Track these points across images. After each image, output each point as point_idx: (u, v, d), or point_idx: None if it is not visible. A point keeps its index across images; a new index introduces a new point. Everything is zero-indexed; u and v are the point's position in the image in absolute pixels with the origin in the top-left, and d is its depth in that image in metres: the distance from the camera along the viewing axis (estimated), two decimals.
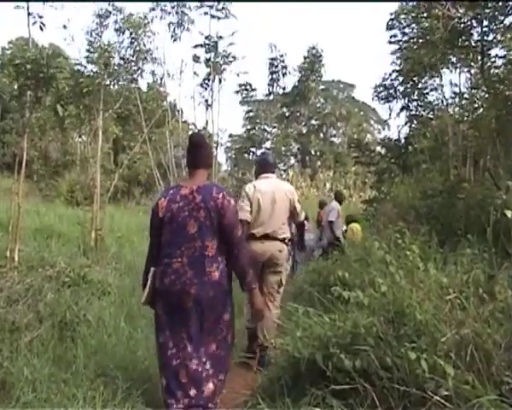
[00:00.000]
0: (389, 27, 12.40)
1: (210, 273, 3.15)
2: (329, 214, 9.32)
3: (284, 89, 33.74)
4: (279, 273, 5.00)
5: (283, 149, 32.08)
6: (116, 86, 10.31)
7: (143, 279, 3.39)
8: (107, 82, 9.91)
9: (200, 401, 3.14)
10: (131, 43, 9.94)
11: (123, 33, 10.00)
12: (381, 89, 13.89)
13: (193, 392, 3.14)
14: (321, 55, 33.35)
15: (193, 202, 3.22)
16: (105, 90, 9.54)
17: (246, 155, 31.59)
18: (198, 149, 3.41)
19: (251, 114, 34.17)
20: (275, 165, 5.37)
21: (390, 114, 14.18)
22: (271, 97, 33.60)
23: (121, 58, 9.67)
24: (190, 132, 15.53)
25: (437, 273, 3.44)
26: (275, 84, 33.51)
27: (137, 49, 9.87)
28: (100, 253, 8.44)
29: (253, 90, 32.17)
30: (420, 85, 12.95)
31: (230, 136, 34.47)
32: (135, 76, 10.53)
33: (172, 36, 15.52)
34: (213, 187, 3.28)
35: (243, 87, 31.46)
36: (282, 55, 32.73)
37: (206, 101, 16.55)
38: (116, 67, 9.59)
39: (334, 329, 3.20)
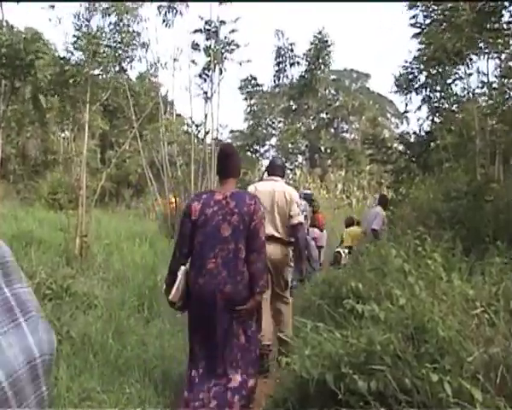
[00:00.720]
0: (410, 7, 12.32)
1: (243, 273, 3.79)
2: (373, 222, 9.09)
3: (292, 80, 33.77)
4: (282, 274, 5.55)
5: (290, 146, 31.89)
6: (104, 76, 10.32)
7: (169, 279, 3.95)
8: (96, 72, 9.91)
9: (228, 391, 3.75)
10: (117, 25, 9.90)
11: (109, 16, 9.97)
12: (401, 79, 13.85)
13: (220, 384, 3.78)
14: (327, 41, 33.18)
15: (227, 207, 3.87)
16: (93, 80, 9.55)
17: (248, 154, 31.43)
18: (229, 160, 4.14)
19: (254, 107, 34.07)
20: (283, 168, 5.95)
21: (408, 107, 14.19)
22: (277, 90, 33.63)
23: (107, 46, 9.65)
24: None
25: (462, 285, 3.44)
26: (281, 76, 33.58)
27: (124, 32, 9.81)
28: (85, 262, 8.45)
29: (259, 85, 32.22)
30: (443, 74, 12.91)
31: (231, 132, 34.43)
32: (123, 65, 10.51)
33: (164, 21, 15.51)
34: (246, 194, 4.03)
35: (247, 81, 31.53)
36: (290, 44, 32.81)
37: (206, 93, 16.50)
38: (104, 54, 9.57)
39: (347, 346, 3.20)
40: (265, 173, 5.85)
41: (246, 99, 33.45)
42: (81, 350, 4.66)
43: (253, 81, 31.90)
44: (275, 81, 33.56)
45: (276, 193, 5.43)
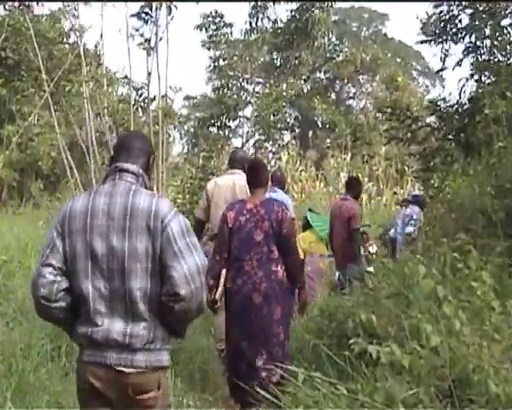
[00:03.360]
0: None
1: (275, 273, 6.10)
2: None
3: (275, 22, 33.28)
4: None
5: (272, 118, 31.10)
6: None
7: (214, 282, 6.14)
8: None
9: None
10: None
11: None
12: (432, 20, 13.85)
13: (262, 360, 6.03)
14: None
15: (258, 215, 6.15)
16: None
17: (212, 129, 31.00)
18: (258, 172, 6.58)
19: (221, 62, 33.40)
20: (243, 161, 7.82)
21: (445, 61, 14.17)
22: (254, 36, 33.04)
23: None
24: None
25: None
26: (260, 16, 33.17)
27: None
28: None
29: (227, 25, 31.51)
30: (496, 13, 12.97)
31: (188, 98, 34.15)
32: None
33: None
34: (274, 202, 6.40)
35: (209, 19, 30.87)
36: None
37: (147, 41, 16.36)
38: None
39: (356, 406, 3.20)
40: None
41: (208, 48, 32.33)
42: None
43: (217, 19, 31.07)
44: (250, 24, 32.91)
45: (237, 187, 7.42)
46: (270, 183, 7.56)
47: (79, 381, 3.59)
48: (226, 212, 6.36)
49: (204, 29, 31.16)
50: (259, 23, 32.88)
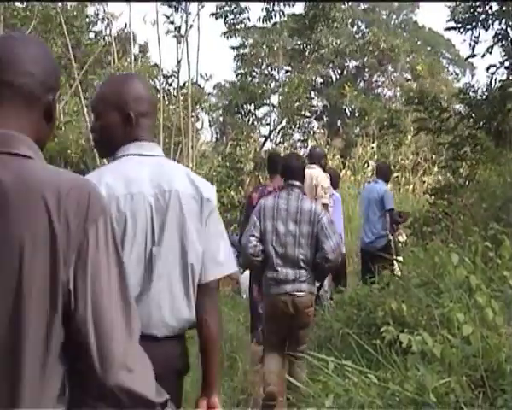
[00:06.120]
0: None
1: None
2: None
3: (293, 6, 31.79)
4: None
5: (297, 104, 30.28)
6: (25, 3, 10.23)
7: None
8: None
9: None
10: None
11: None
12: (461, 7, 13.72)
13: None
14: None
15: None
16: (6, 6, 9.47)
17: (237, 117, 30.52)
18: (270, 162, 8.56)
19: (244, 50, 32.75)
20: (318, 156, 9.51)
21: (474, 48, 14.02)
22: (272, 22, 31.73)
23: None
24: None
25: None
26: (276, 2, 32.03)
27: None
28: None
29: (243, 10, 30.45)
30: None
31: (218, 87, 33.86)
32: None
33: None
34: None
35: (225, 8, 29.80)
36: None
37: (178, 29, 16.36)
38: None
39: (386, 395, 3.18)
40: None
41: (226, 36, 31.42)
42: None
43: (233, 7, 30.12)
44: (267, 9, 31.58)
45: (314, 179, 8.74)
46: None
47: (268, 306, 6.14)
48: (250, 194, 8.18)
49: (222, 17, 30.49)
50: (276, 7, 31.88)
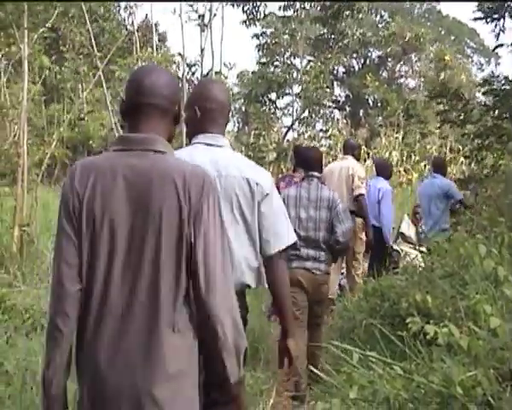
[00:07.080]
0: None
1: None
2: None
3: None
4: None
5: (316, 94, 29.86)
6: None
7: None
8: None
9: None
10: None
11: None
12: None
13: None
14: None
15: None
16: None
17: (258, 106, 30.37)
18: (297, 156, 9.65)
19: (264, 39, 32.48)
20: (351, 148, 10.34)
21: (498, 37, 13.87)
22: (294, 10, 31.29)
23: None
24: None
25: None
26: None
27: None
28: (27, 262, 8.45)
29: None
30: None
31: (241, 75, 33.62)
32: None
33: None
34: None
35: None
36: None
37: (201, 17, 16.33)
38: None
39: (412, 387, 3.17)
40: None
41: (246, 25, 30.98)
42: (22, 392, 4.63)
43: None
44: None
45: (345, 169, 9.52)
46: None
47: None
48: (277, 183, 8.35)
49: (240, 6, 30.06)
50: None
